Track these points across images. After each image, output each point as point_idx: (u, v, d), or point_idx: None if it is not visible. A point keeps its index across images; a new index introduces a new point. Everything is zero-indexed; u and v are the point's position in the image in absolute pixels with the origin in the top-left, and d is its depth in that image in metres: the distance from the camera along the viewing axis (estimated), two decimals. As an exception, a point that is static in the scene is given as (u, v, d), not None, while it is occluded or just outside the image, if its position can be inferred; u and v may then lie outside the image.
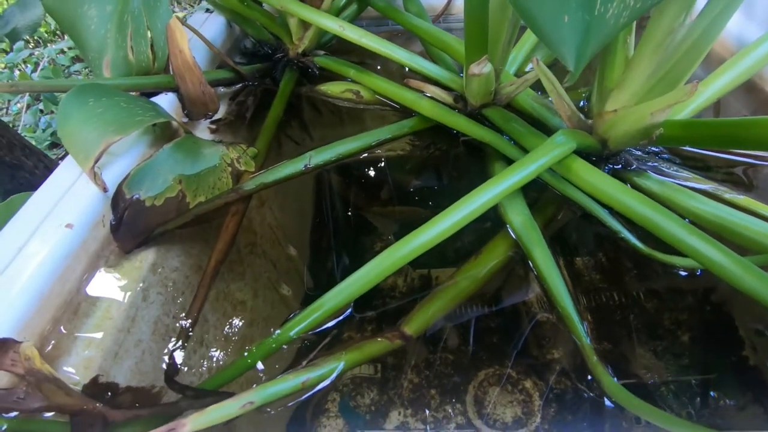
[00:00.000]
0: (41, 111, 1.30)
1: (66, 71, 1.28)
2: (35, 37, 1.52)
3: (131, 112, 0.28)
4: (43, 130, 1.24)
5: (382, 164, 0.39)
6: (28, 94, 1.27)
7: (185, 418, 0.16)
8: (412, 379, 0.30)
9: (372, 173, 0.41)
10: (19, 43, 1.40)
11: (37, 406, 0.18)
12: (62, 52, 1.46)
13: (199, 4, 0.48)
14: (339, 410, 0.29)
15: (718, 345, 0.24)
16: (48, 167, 0.60)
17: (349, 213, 0.43)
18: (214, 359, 0.30)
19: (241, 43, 0.45)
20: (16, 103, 1.33)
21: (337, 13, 0.38)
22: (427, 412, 0.28)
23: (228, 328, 0.32)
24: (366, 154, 0.36)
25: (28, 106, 1.31)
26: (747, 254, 0.21)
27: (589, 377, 0.21)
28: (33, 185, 0.57)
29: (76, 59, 1.49)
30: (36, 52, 1.46)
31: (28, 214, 0.24)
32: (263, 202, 0.38)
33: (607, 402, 0.21)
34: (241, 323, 0.34)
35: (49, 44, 1.52)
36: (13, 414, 0.18)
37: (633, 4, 0.18)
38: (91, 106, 0.27)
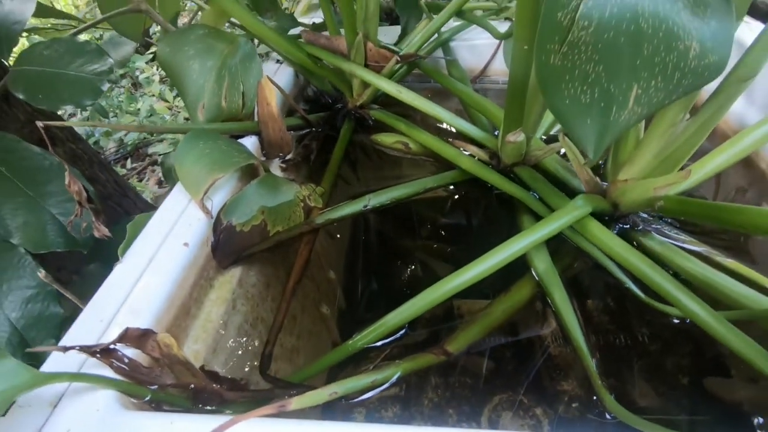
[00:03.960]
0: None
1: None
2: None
3: (230, 154, 0.35)
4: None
5: (420, 205, 0.45)
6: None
7: (289, 400, 0.21)
8: (433, 398, 0.35)
9: (409, 212, 0.47)
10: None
11: (169, 382, 0.24)
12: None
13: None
14: (365, 420, 0.34)
15: (713, 388, 0.28)
16: (117, 182, 0.67)
17: (382, 244, 0.49)
18: (275, 362, 0.35)
19: (305, 91, 0.53)
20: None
21: (392, 74, 0.45)
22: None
23: (283, 338, 0.38)
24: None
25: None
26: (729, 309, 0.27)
27: (594, 398, 0.26)
28: (106, 196, 0.64)
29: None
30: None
31: (152, 232, 0.30)
32: (316, 231, 0.44)
33: (608, 416, 0.25)
34: (291, 334, 0.39)
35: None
36: (154, 386, 0.23)
37: (639, 111, 0.25)
38: (201, 147, 0.34)
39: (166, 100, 1.86)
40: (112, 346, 0.22)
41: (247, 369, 0.32)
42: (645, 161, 0.32)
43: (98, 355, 0.22)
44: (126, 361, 0.23)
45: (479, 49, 0.53)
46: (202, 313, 0.29)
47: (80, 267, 0.51)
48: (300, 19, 0.64)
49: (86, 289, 0.50)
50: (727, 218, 0.26)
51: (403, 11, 0.52)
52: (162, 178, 1.79)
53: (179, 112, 1.85)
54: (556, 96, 0.24)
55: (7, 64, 0.47)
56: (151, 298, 0.26)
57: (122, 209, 0.67)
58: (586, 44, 0.23)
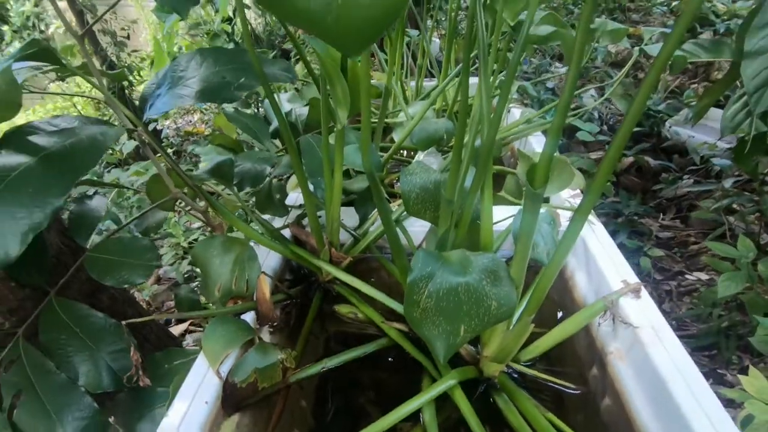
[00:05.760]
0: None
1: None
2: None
3: (237, 333, 0.55)
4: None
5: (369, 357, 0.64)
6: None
7: None
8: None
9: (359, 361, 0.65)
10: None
11: (195, 500, 0.41)
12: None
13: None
14: None
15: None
16: (140, 313, 0.86)
17: (344, 376, 0.67)
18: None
19: (290, 263, 0.74)
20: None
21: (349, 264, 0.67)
22: None
23: (263, 459, 0.54)
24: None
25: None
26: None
27: None
28: (131, 327, 0.82)
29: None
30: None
31: (185, 394, 0.49)
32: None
33: None
34: (269, 455, 0.56)
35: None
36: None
37: (468, 336, 0.45)
38: (219, 331, 0.54)
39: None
40: (168, 479, 0.40)
41: (238, 486, 0.48)
42: (494, 347, 0.52)
43: (159, 484, 0.39)
44: (172, 486, 0.40)
45: (417, 235, 0.76)
46: (215, 449, 0.47)
47: (109, 392, 0.68)
48: (290, 195, 0.88)
49: (118, 412, 0.67)
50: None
51: (360, 206, 0.75)
52: (160, 276, 1.97)
53: (182, 213, 2.08)
54: (420, 329, 0.45)
55: (84, 246, 0.68)
56: (186, 443, 0.44)
57: (141, 335, 0.84)
58: (431, 308, 0.44)
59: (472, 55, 0.89)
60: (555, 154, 0.77)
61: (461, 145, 0.51)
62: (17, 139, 0.45)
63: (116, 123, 0.53)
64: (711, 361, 1.14)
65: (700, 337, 1.14)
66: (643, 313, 0.55)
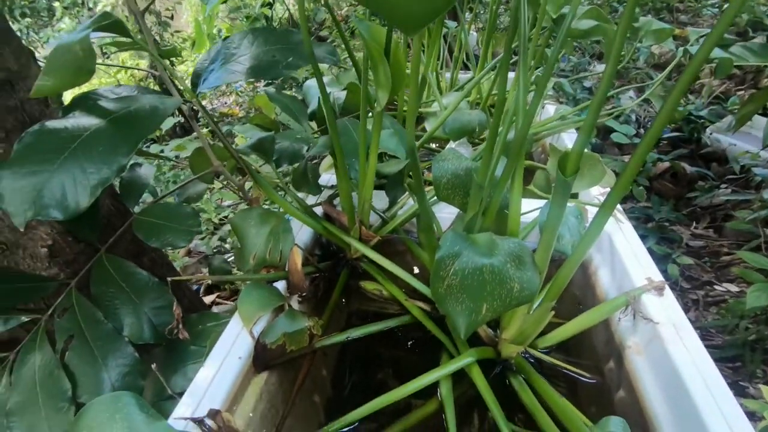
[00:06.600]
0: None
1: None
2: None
3: (269, 298, 0.58)
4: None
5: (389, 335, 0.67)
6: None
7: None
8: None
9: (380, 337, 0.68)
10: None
11: (227, 442, 0.45)
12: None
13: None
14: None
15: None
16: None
17: (365, 350, 0.70)
18: (280, 435, 0.55)
19: (321, 239, 0.77)
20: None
21: (376, 244, 0.69)
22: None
23: (285, 419, 0.58)
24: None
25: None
26: None
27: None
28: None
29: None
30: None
31: (220, 349, 0.53)
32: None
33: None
34: (291, 416, 0.59)
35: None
36: (218, 444, 0.44)
37: (472, 315, 0.47)
38: (254, 294, 0.58)
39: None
40: (204, 420, 0.44)
41: (263, 437, 0.52)
42: (513, 330, 0.54)
43: (197, 423, 0.43)
44: (206, 427, 0.44)
45: (445, 221, 0.77)
46: (243, 399, 0.51)
47: (147, 346, 0.72)
48: (324, 176, 0.91)
49: (156, 364, 0.71)
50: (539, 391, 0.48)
51: (390, 190, 0.78)
52: (191, 249, 2.04)
53: (215, 190, 2.15)
54: (443, 305, 0.47)
55: (132, 211, 0.73)
56: (221, 391, 0.48)
57: (176, 297, 0.90)
58: (456, 285, 0.46)
59: (513, 45, 0.89)
60: (586, 151, 0.77)
61: (496, 133, 0.53)
62: (86, 103, 0.49)
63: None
64: (734, 373, 1.12)
65: (724, 348, 1.12)
66: (666, 310, 0.55)
